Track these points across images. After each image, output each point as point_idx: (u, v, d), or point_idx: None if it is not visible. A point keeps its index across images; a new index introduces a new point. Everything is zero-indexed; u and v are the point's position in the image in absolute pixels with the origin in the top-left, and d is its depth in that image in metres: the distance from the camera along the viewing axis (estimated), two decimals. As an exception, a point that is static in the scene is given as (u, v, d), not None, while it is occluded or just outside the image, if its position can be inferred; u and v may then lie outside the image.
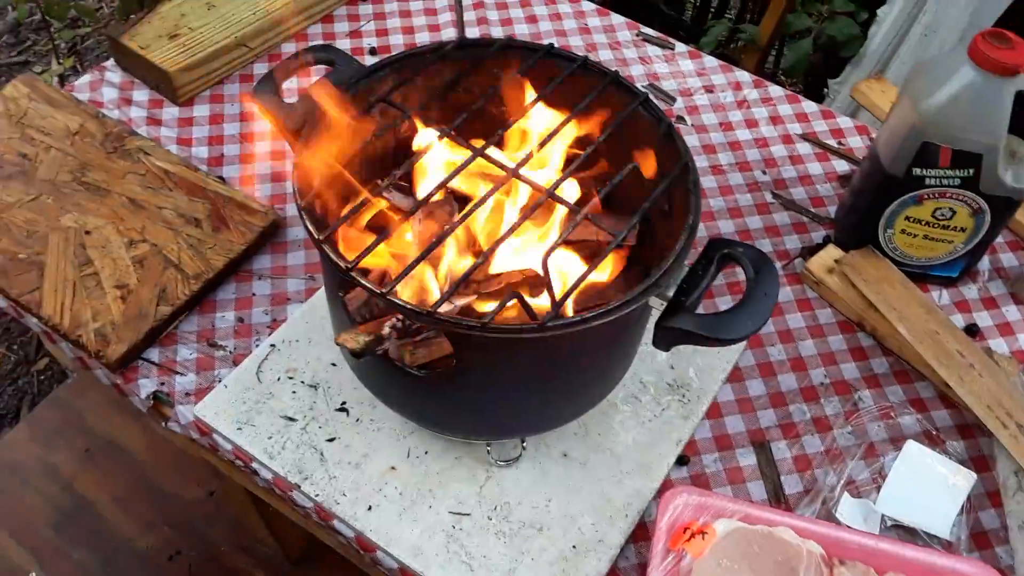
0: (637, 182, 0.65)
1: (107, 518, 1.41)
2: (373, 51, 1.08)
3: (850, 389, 0.82)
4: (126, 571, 1.36)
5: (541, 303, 0.57)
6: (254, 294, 0.83)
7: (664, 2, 1.73)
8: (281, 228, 0.88)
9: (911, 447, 0.78)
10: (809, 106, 1.07)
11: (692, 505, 0.68)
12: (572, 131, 0.67)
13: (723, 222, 0.94)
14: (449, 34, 1.10)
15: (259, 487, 0.76)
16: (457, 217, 0.60)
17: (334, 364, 0.78)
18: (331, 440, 0.74)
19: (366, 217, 0.64)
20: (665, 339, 0.58)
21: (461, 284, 0.56)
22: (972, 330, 0.87)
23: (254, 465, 0.73)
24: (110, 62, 1.02)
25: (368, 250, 0.57)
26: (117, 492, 1.44)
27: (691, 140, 1.01)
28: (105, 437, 1.50)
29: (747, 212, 0.95)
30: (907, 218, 0.84)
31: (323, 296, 0.82)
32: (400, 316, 0.61)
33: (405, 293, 0.60)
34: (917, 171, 0.80)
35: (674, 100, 1.06)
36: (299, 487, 0.71)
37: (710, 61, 1.11)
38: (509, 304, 0.55)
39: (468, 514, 0.71)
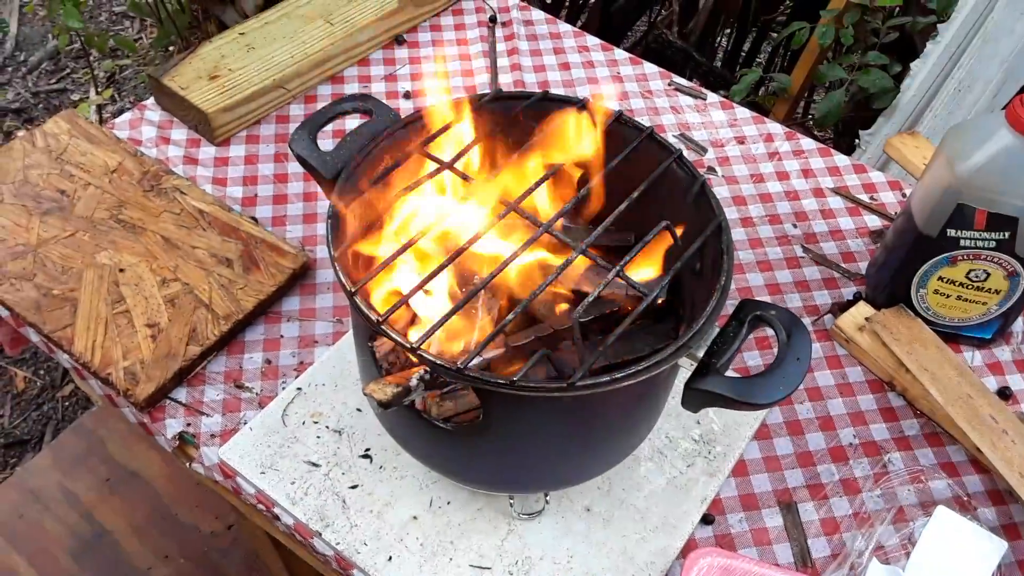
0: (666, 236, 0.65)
1: (125, 548, 1.41)
2: (408, 95, 1.09)
3: (880, 451, 0.80)
4: (141, 603, 1.36)
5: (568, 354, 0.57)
6: (282, 336, 0.84)
7: (696, 49, 1.74)
8: (311, 270, 0.88)
9: (942, 513, 0.76)
10: (841, 160, 1.06)
11: (717, 567, 0.67)
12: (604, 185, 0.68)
13: (752, 275, 0.94)
14: (483, 79, 1.12)
15: (280, 532, 0.75)
16: (488, 271, 0.60)
17: (359, 410, 0.78)
18: (354, 487, 0.73)
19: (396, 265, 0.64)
20: (695, 401, 0.58)
21: (491, 341, 0.56)
22: (1005, 393, 0.85)
23: (276, 510, 0.72)
24: (150, 101, 1.04)
25: (398, 304, 0.57)
26: (136, 522, 1.44)
27: (721, 191, 1.01)
28: (126, 467, 1.51)
29: (777, 266, 0.94)
30: (940, 278, 0.83)
31: (350, 340, 0.82)
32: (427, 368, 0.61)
33: (434, 342, 0.60)
34: (952, 232, 0.79)
35: (705, 150, 1.06)
36: (320, 534, 0.70)
37: (742, 112, 1.11)
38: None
39: (489, 568, 0.70)
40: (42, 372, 1.81)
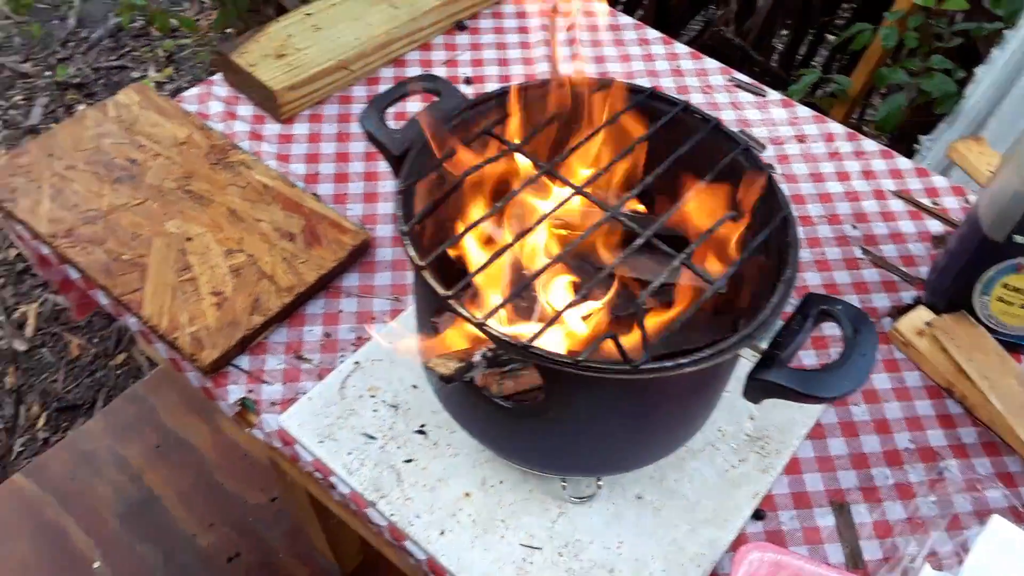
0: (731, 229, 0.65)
1: (172, 514, 1.45)
2: (468, 80, 1.10)
3: (936, 457, 0.80)
4: (186, 568, 1.39)
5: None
6: (341, 311, 0.85)
7: (753, 47, 1.73)
8: (370, 248, 0.90)
9: (997, 522, 0.75)
10: (903, 163, 1.05)
11: (768, 562, 0.67)
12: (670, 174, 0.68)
13: (810, 274, 0.93)
14: (543, 67, 1.12)
15: (334, 501, 0.77)
16: (556, 252, 0.60)
17: (415, 386, 0.79)
18: (408, 461, 0.74)
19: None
20: (757, 391, 0.58)
21: (554, 320, 0.57)
22: (1067, 405, 0.84)
23: (332, 479, 0.74)
24: (217, 77, 1.06)
25: (466, 282, 0.58)
26: (183, 489, 1.48)
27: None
28: (176, 434, 1.54)
29: (835, 266, 0.94)
30: (1005, 285, 0.82)
31: (407, 317, 0.83)
32: (491, 345, 0.61)
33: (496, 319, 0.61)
34: (1019, 238, 0.78)
35: (764, 148, 1.05)
36: (375, 505, 0.72)
37: (803, 110, 1.10)
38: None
39: (539, 548, 0.70)
40: (96, 340, 1.86)
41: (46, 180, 0.90)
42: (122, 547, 1.41)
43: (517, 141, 0.68)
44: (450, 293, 0.57)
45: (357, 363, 0.80)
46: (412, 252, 0.59)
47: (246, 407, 0.78)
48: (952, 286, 0.86)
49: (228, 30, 2.40)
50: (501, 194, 0.66)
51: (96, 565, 1.39)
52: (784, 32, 2.00)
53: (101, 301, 0.85)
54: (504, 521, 0.71)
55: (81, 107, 2.35)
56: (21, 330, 1.87)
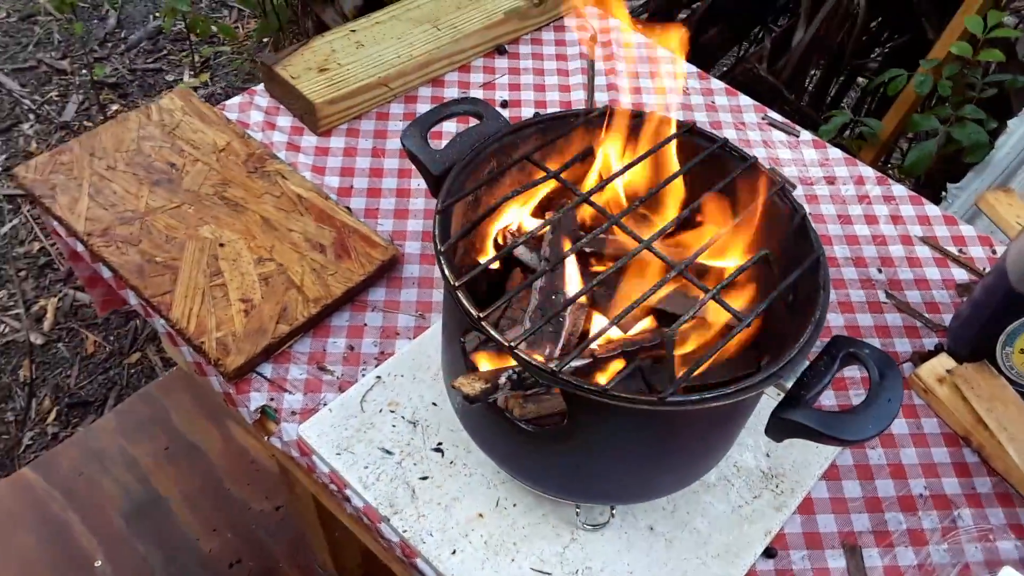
0: (762, 266, 0.65)
1: (176, 516, 1.45)
2: (504, 104, 1.11)
3: (950, 505, 0.79)
4: (186, 572, 1.39)
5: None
6: (366, 324, 0.86)
7: (786, 86, 1.74)
8: (399, 264, 0.91)
9: (1008, 573, 0.75)
10: (932, 210, 1.05)
11: (779, 601, 0.66)
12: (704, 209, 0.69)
13: (833, 315, 0.93)
14: (579, 95, 1.13)
15: (347, 514, 0.77)
16: (586, 282, 0.61)
17: (435, 404, 0.79)
18: (424, 478, 0.75)
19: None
20: (780, 430, 0.58)
21: (585, 347, 0.57)
22: (1086, 463, 0.83)
23: (347, 492, 0.74)
24: (260, 87, 1.07)
25: (499, 306, 0.59)
26: (189, 493, 1.48)
27: (807, 229, 1.01)
28: (186, 437, 1.55)
29: (859, 308, 0.94)
30: (1029, 338, 0.82)
31: (432, 335, 0.84)
32: (517, 368, 0.62)
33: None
34: (1046, 293, 0.78)
35: (795, 187, 1.06)
36: (388, 520, 0.72)
37: (834, 152, 1.11)
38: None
39: (549, 573, 0.71)
40: (112, 338, 1.87)
41: (86, 179, 0.92)
42: (125, 547, 1.41)
43: (556, 168, 0.68)
44: (482, 315, 0.57)
45: (379, 377, 0.81)
46: (448, 271, 0.60)
47: (266, 415, 0.78)
48: (975, 336, 0.86)
49: (266, 39, 2.44)
50: (539, 219, 0.66)
51: (98, 564, 1.39)
52: (815, 72, 2.01)
53: (131, 301, 0.87)
54: (516, 544, 0.72)
55: (115, 107, 2.39)
56: (39, 323, 1.89)
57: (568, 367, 0.56)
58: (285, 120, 1.04)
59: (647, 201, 0.68)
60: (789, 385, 0.60)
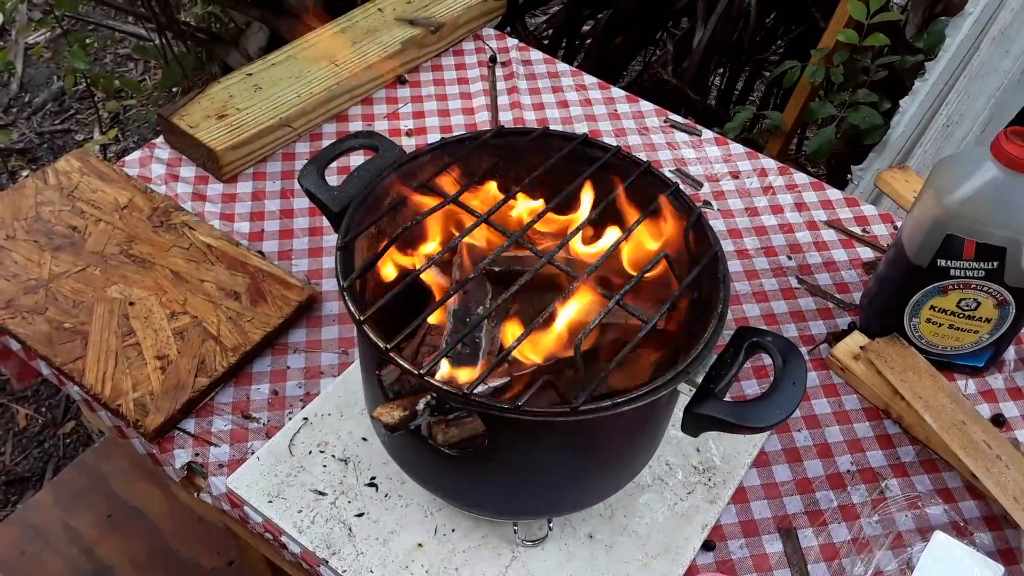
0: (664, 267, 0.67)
1: (126, 585, 1.41)
2: (409, 132, 1.12)
3: (877, 477, 0.82)
4: (143, 642, 1.35)
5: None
6: (288, 367, 0.85)
7: (690, 87, 1.78)
8: (317, 303, 0.90)
9: (939, 538, 0.77)
10: (834, 193, 1.09)
11: (719, 593, 0.68)
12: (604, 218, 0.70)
13: (748, 306, 0.95)
14: (483, 117, 1.15)
15: (286, 561, 0.76)
16: (493, 301, 0.62)
17: (365, 439, 0.79)
18: (360, 515, 0.74)
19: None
20: (694, 425, 0.59)
21: (495, 368, 0.58)
22: (999, 420, 0.87)
23: (283, 538, 0.73)
24: (159, 139, 1.06)
25: (407, 334, 0.59)
26: (137, 558, 1.44)
27: (717, 224, 1.04)
28: (128, 503, 1.51)
29: (773, 297, 0.96)
30: (932, 307, 0.85)
31: (355, 371, 0.84)
32: (434, 394, 0.62)
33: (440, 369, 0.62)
34: (941, 262, 0.81)
35: (701, 185, 1.09)
36: (327, 562, 0.71)
37: (736, 148, 1.14)
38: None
39: (493, 595, 0.71)
40: (44, 409, 1.82)
41: (-16, 251, 0.89)
42: (76, 622, 1.37)
43: (453, 193, 0.69)
44: (390, 346, 0.58)
45: (305, 419, 0.80)
46: (352, 306, 0.60)
47: (193, 471, 0.77)
48: (884, 311, 0.89)
49: (175, 88, 2.40)
50: (445, 243, 0.67)
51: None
52: (721, 71, 2.06)
53: (43, 371, 0.85)
54: (458, 570, 0.72)
55: (24, 173, 2.33)
56: (-35, 403, 1.82)
57: (479, 388, 0.56)
58: (188, 170, 1.03)
59: (549, 215, 0.70)
60: (700, 380, 0.61)
